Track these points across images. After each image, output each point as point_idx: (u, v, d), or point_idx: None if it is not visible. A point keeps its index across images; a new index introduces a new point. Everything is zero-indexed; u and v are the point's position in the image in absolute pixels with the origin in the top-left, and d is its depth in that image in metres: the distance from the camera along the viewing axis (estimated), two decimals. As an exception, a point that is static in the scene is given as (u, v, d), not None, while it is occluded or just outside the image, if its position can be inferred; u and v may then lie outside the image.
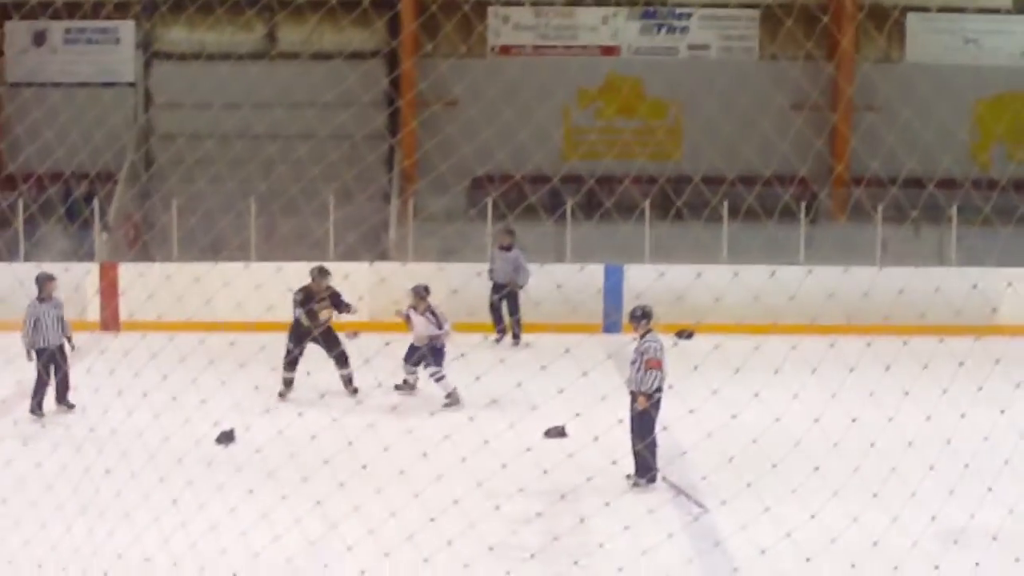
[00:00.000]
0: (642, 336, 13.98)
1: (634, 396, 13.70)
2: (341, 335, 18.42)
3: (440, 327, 18.04)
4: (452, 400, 17.79)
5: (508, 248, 23.37)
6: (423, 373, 18.38)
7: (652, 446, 13.54)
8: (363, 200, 24.69)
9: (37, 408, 16.95)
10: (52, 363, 16.93)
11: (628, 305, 23.43)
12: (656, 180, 22.28)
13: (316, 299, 18.29)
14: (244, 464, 11.95)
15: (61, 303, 17.31)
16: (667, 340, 13.99)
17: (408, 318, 18.29)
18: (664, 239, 24.30)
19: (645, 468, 13.71)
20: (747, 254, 22.40)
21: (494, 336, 23.23)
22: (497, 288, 23.02)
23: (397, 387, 18.65)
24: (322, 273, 18.53)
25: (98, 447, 12.92)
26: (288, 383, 18.32)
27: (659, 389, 13.64)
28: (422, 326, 18.11)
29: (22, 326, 17.04)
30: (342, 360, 18.41)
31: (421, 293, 18.27)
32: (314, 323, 18.02)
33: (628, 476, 13.73)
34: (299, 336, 18.27)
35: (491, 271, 23.33)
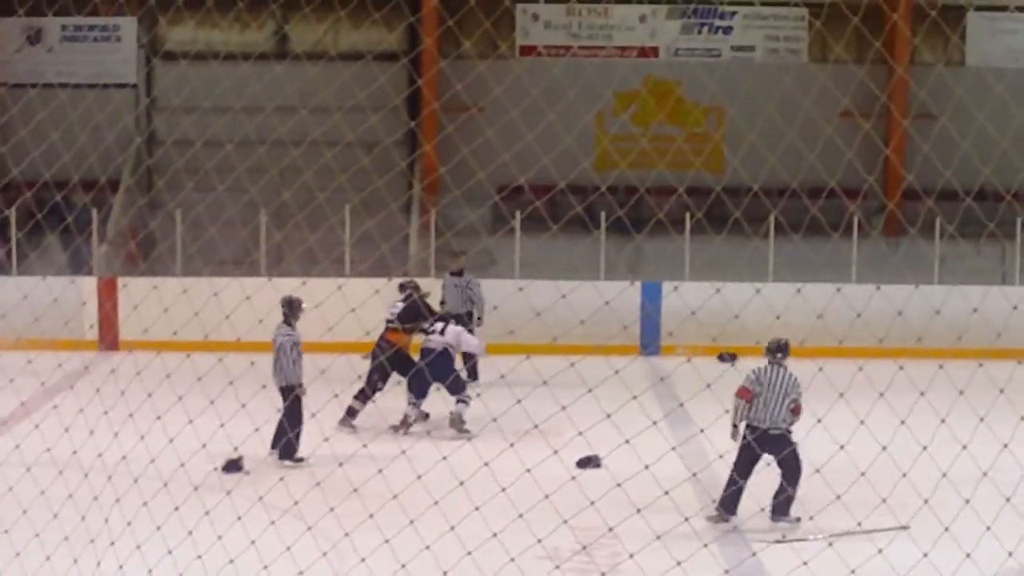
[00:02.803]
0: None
1: None
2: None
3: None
4: (466, 428, 17.72)
5: (459, 273, 21.87)
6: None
7: (731, 481, 13.51)
8: (382, 212, 24.66)
9: (292, 453, 15.66)
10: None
11: (667, 324, 23.69)
12: (696, 191, 22.15)
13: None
14: (266, 494, 11.92)
15: None
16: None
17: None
18: (701, 255, 24.19)
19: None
20: (795, 270, 22.33)
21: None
22: None
23: (398, 425, 17.73)
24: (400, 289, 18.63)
25: (107, 474, 12.91)
26: (351, 412, 17.90)
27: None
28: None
29: (277, 357, 15.96)
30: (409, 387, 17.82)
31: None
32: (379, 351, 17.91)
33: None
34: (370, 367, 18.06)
35: (443, 302, 21.00)
